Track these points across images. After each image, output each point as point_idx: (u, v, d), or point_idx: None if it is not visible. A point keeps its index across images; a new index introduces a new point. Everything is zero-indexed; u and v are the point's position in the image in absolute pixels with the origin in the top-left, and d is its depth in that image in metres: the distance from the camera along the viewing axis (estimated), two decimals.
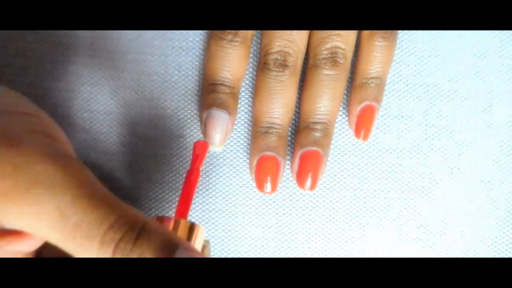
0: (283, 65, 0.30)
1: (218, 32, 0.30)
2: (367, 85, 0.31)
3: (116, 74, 0.32)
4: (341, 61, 0.30)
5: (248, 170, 0.32)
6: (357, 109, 0.31)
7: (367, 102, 0.30)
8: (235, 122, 0.32)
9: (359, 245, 0.32)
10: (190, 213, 0.28)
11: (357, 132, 0.31)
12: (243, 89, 0.32)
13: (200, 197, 0.32)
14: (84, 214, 0.20)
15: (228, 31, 0.30)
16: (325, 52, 0.30)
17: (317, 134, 0.30)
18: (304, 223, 0.32)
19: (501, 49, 0.33)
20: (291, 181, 0.32)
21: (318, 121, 0.30)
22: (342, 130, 0.32)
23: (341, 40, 0.30)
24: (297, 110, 0.32)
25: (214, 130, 0.30)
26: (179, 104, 0.32)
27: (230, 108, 0.30)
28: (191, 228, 0.24)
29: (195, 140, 0.29)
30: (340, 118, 0.32)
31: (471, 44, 0.32)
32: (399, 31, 0.32)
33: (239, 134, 0.32)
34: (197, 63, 0.32)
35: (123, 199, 0.22)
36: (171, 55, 0.32)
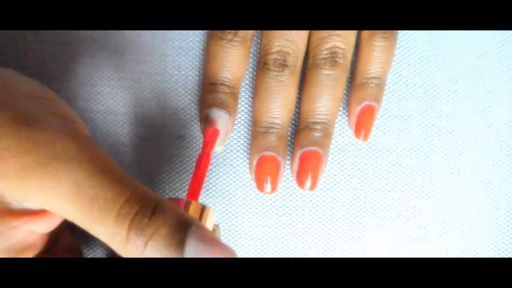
0: (283, 65, 0.30)
1: (218, 32, 0.30)
2: (367, 85, 0.31)
3: (116, 74, 0.32)
4: (340, 61, 0.30)
5: (248, 170, 0.32)
6: (357, 109, 0.31)
7: (367, 102, 0.30)
8: (235, 122, 0.32)
9: (359, 245, 0.32)
10: None
11: (357, 132, 0.31)
12: (243, 89, 0.32)
13: (200, 197, 0.32)
14: (101, 189, 0.21)
15: (228, 31, 0.30)
16: (325, 52, 0.30)
17: (317, 134, 0.30)
18: (304, 223, 0.32)
19: (501, 49, 0.33)
20: (291, 181, 0.32)
21: (318, 121, 0.30)
22: (342, 130, 0.32)
23: (341, 40, 0.30)
24: (297, 110, 0.32)
25: None
26: (179, 104, 0.32)
27: (230, 108, 0.30)
28: (202, 210, 0.25)
29: (205, 128, 0.30)
30: (340, 118, 0.32)
31: (471, 44, 0.32)
32: (399, 31, 0.32)
33: (239, 134, 0.32)
34: (197, 63, 0.32)
35: None
36: (171, 55, 0.32)
